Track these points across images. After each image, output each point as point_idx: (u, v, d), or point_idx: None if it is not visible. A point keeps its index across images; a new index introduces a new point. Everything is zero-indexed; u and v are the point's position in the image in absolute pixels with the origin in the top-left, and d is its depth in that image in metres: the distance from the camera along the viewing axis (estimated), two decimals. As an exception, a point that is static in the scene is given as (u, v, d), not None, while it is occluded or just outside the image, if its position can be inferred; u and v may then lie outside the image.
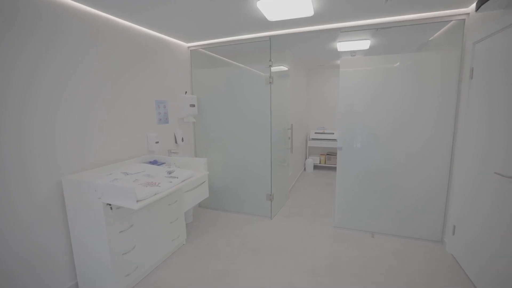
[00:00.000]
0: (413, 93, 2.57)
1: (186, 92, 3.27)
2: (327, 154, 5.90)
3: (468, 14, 2.31)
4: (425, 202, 2.66)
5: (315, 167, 5.96)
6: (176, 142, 3.14)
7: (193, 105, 3.28)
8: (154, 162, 2.59)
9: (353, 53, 4.17)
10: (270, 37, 2.93)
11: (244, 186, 3.39)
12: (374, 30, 2.88)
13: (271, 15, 2.30)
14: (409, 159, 2.67)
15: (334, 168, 5.89)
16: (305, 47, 3.80)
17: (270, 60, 2.97)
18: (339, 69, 2.81)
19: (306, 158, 6.01)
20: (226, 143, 3.38)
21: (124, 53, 2.42)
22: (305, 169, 5.90)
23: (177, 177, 2.12)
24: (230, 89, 3.26)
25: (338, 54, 4.32)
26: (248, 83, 3.16)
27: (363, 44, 3.40)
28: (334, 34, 3.07)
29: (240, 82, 3.20)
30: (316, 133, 5.88)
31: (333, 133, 5.75)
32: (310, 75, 6.02)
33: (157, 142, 2.75)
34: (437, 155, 2.56)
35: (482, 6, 1.77)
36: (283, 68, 3.56)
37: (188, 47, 3.32)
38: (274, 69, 3.11)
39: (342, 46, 3.56)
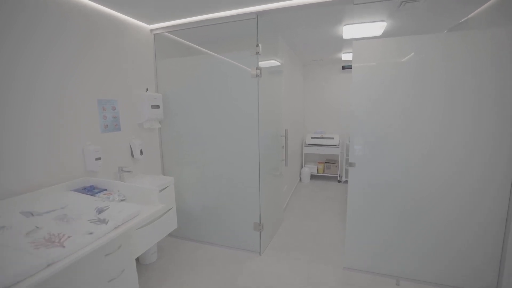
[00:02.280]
0: (463, 89, 1.84)
1: (147, 89, 2.47)
2: (325, 162, 5.17)
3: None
4: (472, 240, 1.93)
5: (312, 177, 5.23)
6: (132, 156, 2.33)
7: (156, 106, 2.48)
8: (90, 189, 1.78)
9: (359, 42, 3.43)
10: (257, 14, 2.17)
11: (226, 211, 2.61)
12: (396, 5, 2.15)
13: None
14: (453, 182, 1.94)
15: (333, 178, 5.15)
16: (301, 33, 3.05)
17: (257, 45, 2.20)
18: (352, 56, 2.06)
19: (302, 167, 5.26)
20: (204, 154, 2.59)
21: (53, 34, 1.62)
22: (300, 179, 5.14)
23: (107, 221, 1.32)
24: (207, 85, 2.48)
25: (341, 45, 3.59)
26: (231, 77, 2.38)
27: (376, 28, 2.67)
28: (342, 11, 2.32)
29: (220, 75, 2.42)
30: (313, 137, 5.15)
31: (332, 138, 5.03)
32: (306, 72, 5.28)
33: (98, 159, 1.94)
34: (491, 178, 1.84)
35: None
36: (275, 62, 2.79)
37: (151, 30, 2.52)
38: (264, 63, 2.34)
39: (349, 31, 2.82)
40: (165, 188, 2.25)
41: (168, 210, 2.24)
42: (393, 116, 2.02)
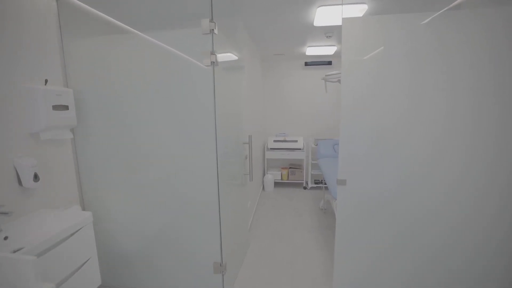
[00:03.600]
0: (481, 76, 1.45)
1: (46, 81, 1.65)
2: (289, 168, 4.72)
3: None
4: (473, 260, 1.57)
5: (276, 184, 4.73)
6: (20, 184, 1.51)
7: (63, 107, 1.67)
8: None
9: (329, 32, 3.01)
10: (210, -23, 1.53)
11: (176, 250, 1.90)
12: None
13: None
14: (455, 190, 1.55)
15: (298, 185, 4.73)
16: (265, 19, 2.49)
17: (211, 21, 1.55)
18: (342, 36, 1.55)
19: (264, 174, 4.73)
20: (142, 174, 1.85)
21: None
22: (263, 188, 4.61)
23: None
24: (144, 78, 1.75)
25: (308, 35, 3.13)
26: (177, 67, 1.70)
27: (356, 11, 2.24)
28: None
29: (163, 65, 1.71)
30: (275, 141, 4.66)
31: (296, 141, 4.60)
32: (265, 68, 4.77)
33: None
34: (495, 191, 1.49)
35: None
36: (232, 56, 2.18)
37: (53, -5, 1.71)
38: (221, 56, 1.71)
39: (322, 16, 2.35)
40: (76, 231, 1.48)
41: (82, 264, 1.48)
42: (393, 116, 1.57)
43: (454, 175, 1.53)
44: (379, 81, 1.56)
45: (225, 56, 1.94)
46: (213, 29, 1.54)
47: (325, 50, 3.84)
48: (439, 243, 1.60)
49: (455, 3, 1.49)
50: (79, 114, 1.81)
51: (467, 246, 1.57)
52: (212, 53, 1.56)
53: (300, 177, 4.66)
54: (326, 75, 3.26)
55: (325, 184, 4.62)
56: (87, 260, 1.53)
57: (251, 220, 3.28)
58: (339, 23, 2.38)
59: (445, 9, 1.45)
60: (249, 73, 3.23)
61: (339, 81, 3.38)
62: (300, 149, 4.55)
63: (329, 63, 4.46)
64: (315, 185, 4.56)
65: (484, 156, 1.47)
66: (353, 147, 1.61)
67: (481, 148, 1.47)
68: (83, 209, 1.92)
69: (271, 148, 4.62)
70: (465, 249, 1.58)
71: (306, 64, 4.52)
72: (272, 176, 4.58)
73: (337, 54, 4.17)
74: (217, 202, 1.72)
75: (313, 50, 3.83)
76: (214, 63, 1.56)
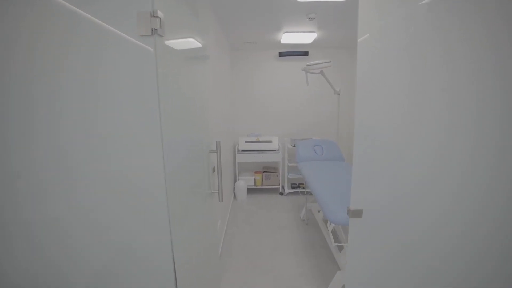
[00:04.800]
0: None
1: None
2: (264, 172, 4.20)
3: None
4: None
5: (249, 191, 4.19)
6: None
7: None
8: None
9: (312, 13, 2.50)
10: None
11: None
12: None
13: None
14: (478, 198, 1.12)
15: (274, 191, 4.23)
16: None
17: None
18: (358, 12, 1.01)
19: (235, 180, 4.16)
20: (50, 208, 1.15)
21: None
22: (235, 196, 4.04)
23: None
24: (49, 57, 1.05)
25: (285, 18, 2.59)
26: (95, 38, 1.03)
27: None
28: None
29: (77, 38, 1.03)
30: (247, 142, 4.10)
31: (270, 141, 4.09)
32: (234, 58, 4.16)
33: None
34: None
35: None
36: (195, 43, 1.54)
37: None
38: (178, 43, 1.08)
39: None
40: None
41: None
42: (403, 119, 1.09)
43: (460, 176, 1.10)
44: (409, 81, 1.06)
45: (185, 43, 1.32)
46: (152, -26, 0.92)
47: (303, 37, 3.34)
48: (448, 247, 1.18)
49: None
50: None
51: (475, 247, 1.16)
52: (154, 15, 0.93)
53: (276, 182, 4.16)
54: (307, 65, 2.77)
55: (304, 188, 4.21)
56: None
57: (222, 242, 2.69)
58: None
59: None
60: (216, 65, 2.61)
61: (322, 72, 2.91)
62: (275, 150, 4.05)
63: (306, 53, 3.99)
64: (293, 190, 4.10)
65: (488, 155, 1.06)
66: (371, 167, 1.11)
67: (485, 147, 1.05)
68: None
69: (242, 150, 4.05)
70: (473, 250, 1.17)
71: (281, 54, 4.00)
72: (245, 182, 4.02)
73: (315, 43, 3.71)
74: (168, 243, 1.09)
75: (290, 38, 3.32)
76: (156, 32, 0.93)
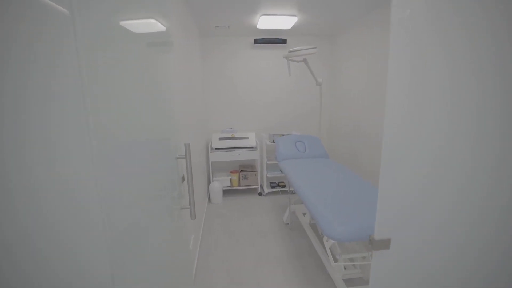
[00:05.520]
0: None
1: None
2: (240, 171, 3.85)
3: None
4: None
5: (225, 192, 3.82)
6: None
7: None
8: None
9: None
10: None
11: None
12: None
13: None
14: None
15: (252, 191, 3.91)
16: None
17: None
18: None
19: (210, 182, 3.77)
20: None
21: None
22: (210, 199, 3.66)
23: None
24: None
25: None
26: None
27: None
28: None
29: None
30: (221, 139, 3.72)
31: (247, 137, 3.74)
32: (205, 46, 3.72)
33: None
34: None
35: None
36: (159, 26, 1.12)
37: None
38: (133, 24, 0.68)
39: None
40: None
41: None
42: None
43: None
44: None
45: (141, 24, 0.92)
46: None
47: (282, 22, 3.00)
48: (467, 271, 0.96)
49: None
50: None
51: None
52: None
53: (254, 182, 3.84)
54: (290, 51, 2.45)
55: (284, 187, 3.94)
56: None
57: (196, 258, 2.32)
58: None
59: None
60: (182, 53, 2.18)
61: (305, 60, 2.61)
62: (252, 147, 3.72)
63: (284, 41, 3.66)
64: (272, 190, 3.81)
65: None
66: (401, 187, 0.81)
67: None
68: None
69: (216, 148, 3.67)
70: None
71: (256, 41, 3.63)
72: (220, 183, 3.65)
73: (294, 30, 3.39)
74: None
75: (267, 22, 2.96)
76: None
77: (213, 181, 3.67)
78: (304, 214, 2.78)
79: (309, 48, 2.34)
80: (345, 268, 1.75)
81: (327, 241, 1.52)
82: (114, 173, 0.64)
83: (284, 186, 3.85)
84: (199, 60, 3.40)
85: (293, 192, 3.12)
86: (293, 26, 3.21)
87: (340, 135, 3.73)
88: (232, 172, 3.84)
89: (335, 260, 1.70)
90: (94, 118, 0.54)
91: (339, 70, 3.70)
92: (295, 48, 2.41)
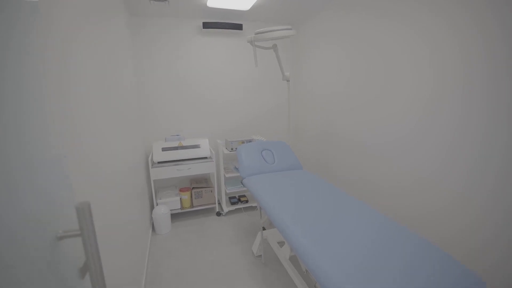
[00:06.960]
0: None
1: None
2: (193, 188, 3.09)
3: None
4: None
5: (175, 217, 3.02)
6: None
7: None
8: None
9: None
10: None
11: None
12: None
13: None
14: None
15: (209, 212, 3.19)
16: None
17: None
18: None
19: (153, 206, 2.93)
20: None
21: None
22: (154, 229, 2.83)
23: None
24: None
25: None
26: None
27: None
28: None
29: None
30: (165, 149, 2.91)
31: (198, 146, 3.01)
32: (136, 28, 2.83)
33: None
34: None
35: None
36: None
37: None
38: None
39: None
40: None
41: None
42: None
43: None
44: None
45: None
46: None
47: (239, 0, 2.35)
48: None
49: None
50: None
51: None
52: None
53: (211, 200, 3.12)
54: (257, 33, 1.81)
55: (247, 202, 3.29)
56: None
57: None
58: None
59: None
60: (96, 34, 1.36)
61: (275, 46, 2.00)
62: (206, 158, 3.00)
63: (239, 27, 2.99)
64: (233, 207, 3.15)
65: None
66: None
67: None
68: None
69: (159, 162, 2.85)
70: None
71: (205, 25, 2.90)
72: (167, 206, 2.84)
73: (252, 14, 2.76)
74: None
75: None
76: None
77: (157, 205, 2.84)
78: (280, 244, 2.20)
79: (283, 29, 1.73)
80: None
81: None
82: None
83: (247, 201, 3.23)
84: (127, 46, 2.52)
85: (256, 208, 2.52)
86: (252, 9, 2.58)
87: (306, 139, 3.25)
88: (182, 190, 3.05)
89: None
90: None
91: (304, 63, 3.20)
92: (264, 29, 1.78)
